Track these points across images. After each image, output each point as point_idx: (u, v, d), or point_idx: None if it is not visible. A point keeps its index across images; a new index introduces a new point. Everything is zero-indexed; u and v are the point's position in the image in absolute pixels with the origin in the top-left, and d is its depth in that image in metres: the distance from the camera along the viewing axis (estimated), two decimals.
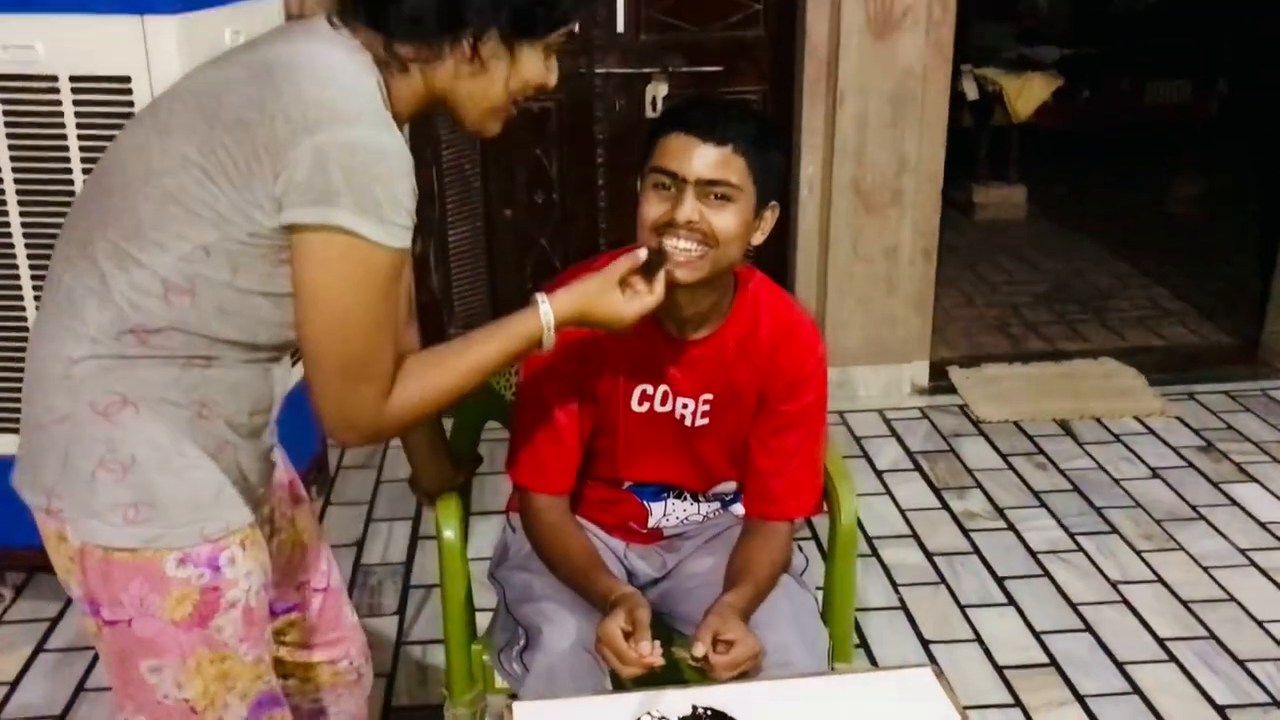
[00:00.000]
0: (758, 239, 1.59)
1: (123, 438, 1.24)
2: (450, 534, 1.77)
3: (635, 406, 1.69)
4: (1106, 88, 6.10)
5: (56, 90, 2.27)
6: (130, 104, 2.27)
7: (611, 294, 1.40)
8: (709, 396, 1.68)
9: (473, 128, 1.34)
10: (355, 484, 3.29)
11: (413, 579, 2.82)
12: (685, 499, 1.81)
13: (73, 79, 2.26)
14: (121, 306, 1.22)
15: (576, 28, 1.35)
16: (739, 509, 1.83)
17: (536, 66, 1.31)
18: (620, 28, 3.50)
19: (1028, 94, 5.78)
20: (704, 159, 1.50)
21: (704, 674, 1.50)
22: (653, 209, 1.52)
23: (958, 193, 6.01)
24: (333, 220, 1.16)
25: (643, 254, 1.42)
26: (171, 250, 1.20)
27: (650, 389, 1.68)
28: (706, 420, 1.70)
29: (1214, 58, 6.14)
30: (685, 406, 1.69)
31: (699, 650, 1.47)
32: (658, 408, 1.69)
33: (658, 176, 1.52)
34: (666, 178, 1.51)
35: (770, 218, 1.60)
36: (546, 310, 1.35)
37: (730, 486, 1.80)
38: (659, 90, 3.54)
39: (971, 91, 5.77)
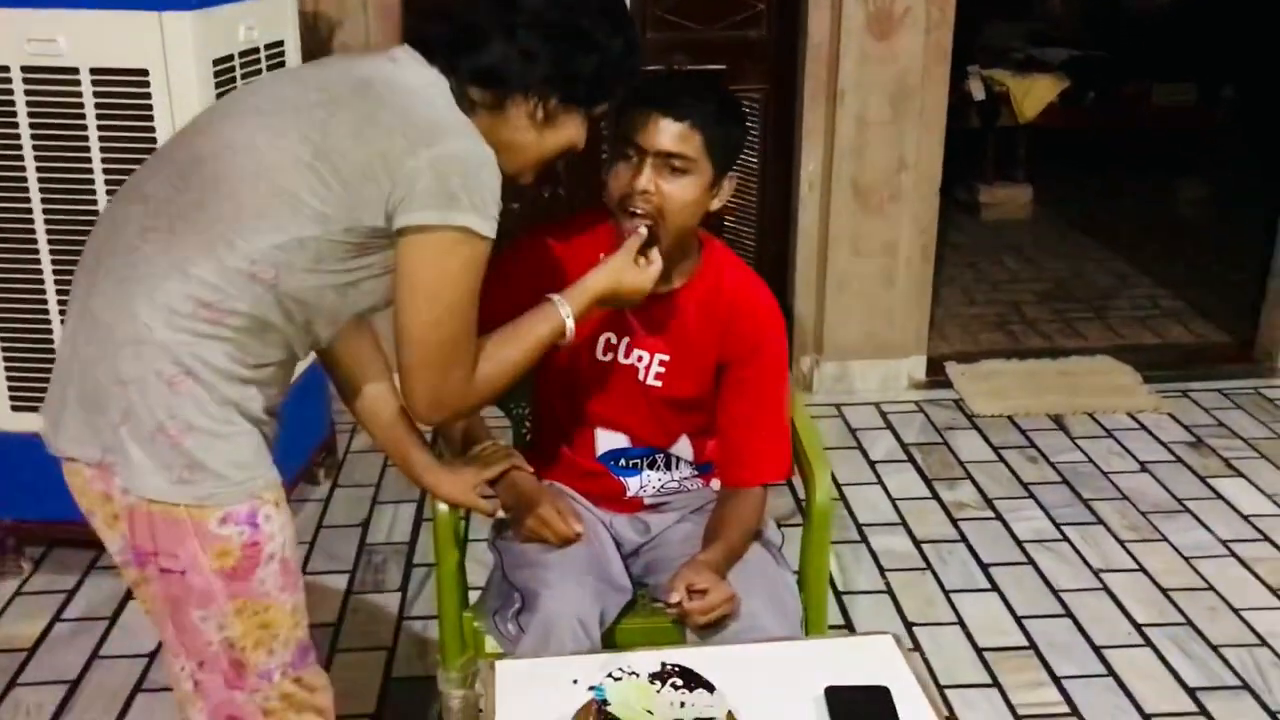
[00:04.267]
0: (715, 205, 1.71)
1: (181, 405, 1.34)
2: (443, 506, 1.86)
3: (600, 355, 1.81)
4: (1113, 90, 6.14)
5: (78, 83, 2.37)
6: (148, 96, 2.37)
7: (631, 270, 1.60)
8: (665, 358, 1.79)
9: (511, 173, 1.47)
10: (363, 468, 3.39)
11: (416, 558, 2.91)
12: (658, 468, 1.90)
13: (93, 71, 2.36)
14: (205, 284, 1.33)
15: None
16: (715, 481, 1.93)
17: (579, 130, 1.48)
18: None
19: (1034, 95, 5.85)
20: (664, 133, 1.62)
21: (681, 624, 1.60)
22: (616, 178, 1.66)
23: (964, 192, 6.09)
24: (455, 221, 1.33)
25: (644, 233, 1.62)
26: (268, 238, 1.33)
27: (614, 338, 1.80)
28: (660, 383, 1.81)
29: (1221, 62, 6.18)
30: (640, 360, 1.80)
31: (674, 598, 1.58)
32: (621, 359, 1.81)
33: (622, 147, 1.65)
34: (630, 148, 1.64)
35: (728, 187, 1.72)
36: (566, 313, 1.55)
37: (685, 446, 1.89)
38: None
39: (978, 92, 5.84)
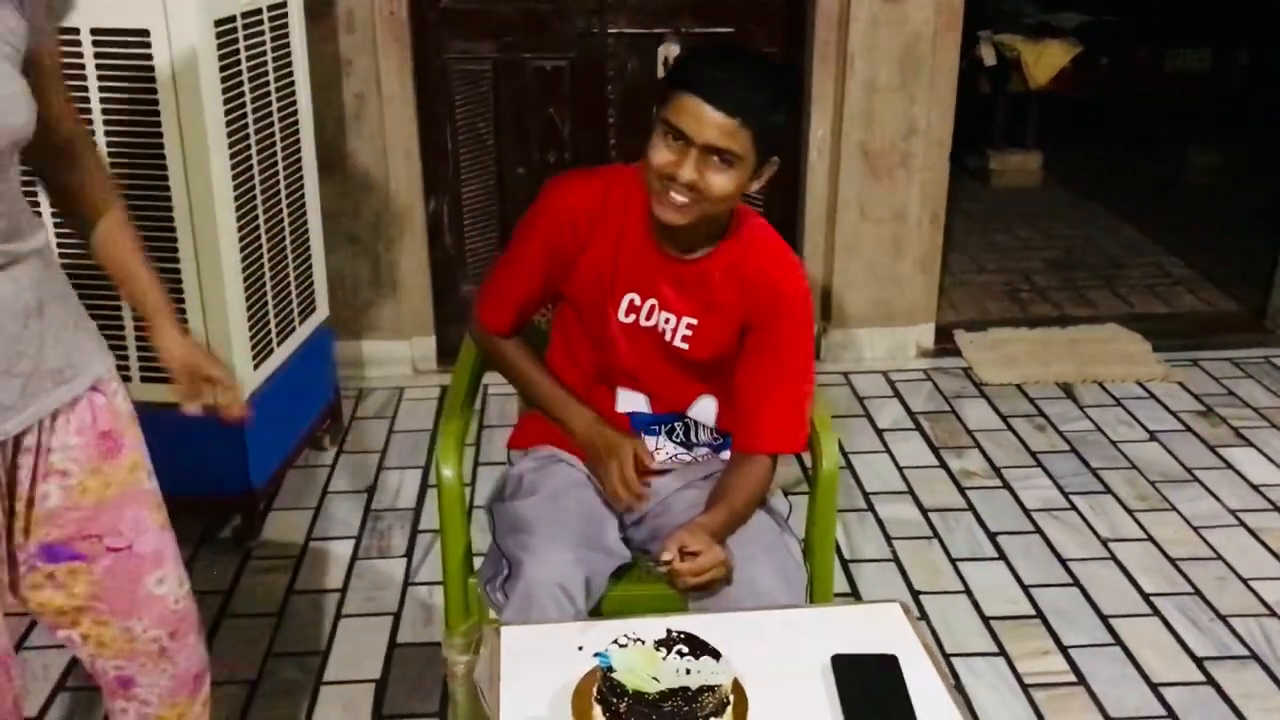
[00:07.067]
0: (754, 188, 1.68)
1: None
2: (449, 473, 1.85)
3: (622, 317, 1.79)
4: (1126, 55, 6.07)
5: (78, 43, 2.34)
6: (149, 57, 2.34)
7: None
8: (693, 321, 1.78)
9: None
10: (369, 433, 3.38)
11: (421, 524, 2.91)
12: (676, 438, 1.90)
13: (93, 32, 2.33)
14: None
15: None
16: (728, 455, 1.91)
17: None
18: None
19: (1046, 60, 5.78)
20: (714, 127, 1.58)
21: (671, 584, 1.60)
22: (659, 155, 1.62)
23: (974, 159, 6.03)
24: None
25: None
26: None
27: (638, 300, 1.78)
28: (687, 345, 1.79)
29: (1235, 27, 6.10)
30: (668, 322, 1.78)
31: (665, 556, 1.57)
32: (643, 322, 1.79)
33: (667, 126, 1.61)
34: (674, 132, 1.60)
35: (770, 170, 1.68)
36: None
37: (708, 407, 1.87)
38: (671, 51, 3.58)
39: (989, 57, 5.77)
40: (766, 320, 1.77)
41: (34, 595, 1.48)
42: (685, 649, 1.35)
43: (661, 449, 1.90)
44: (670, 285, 1.77)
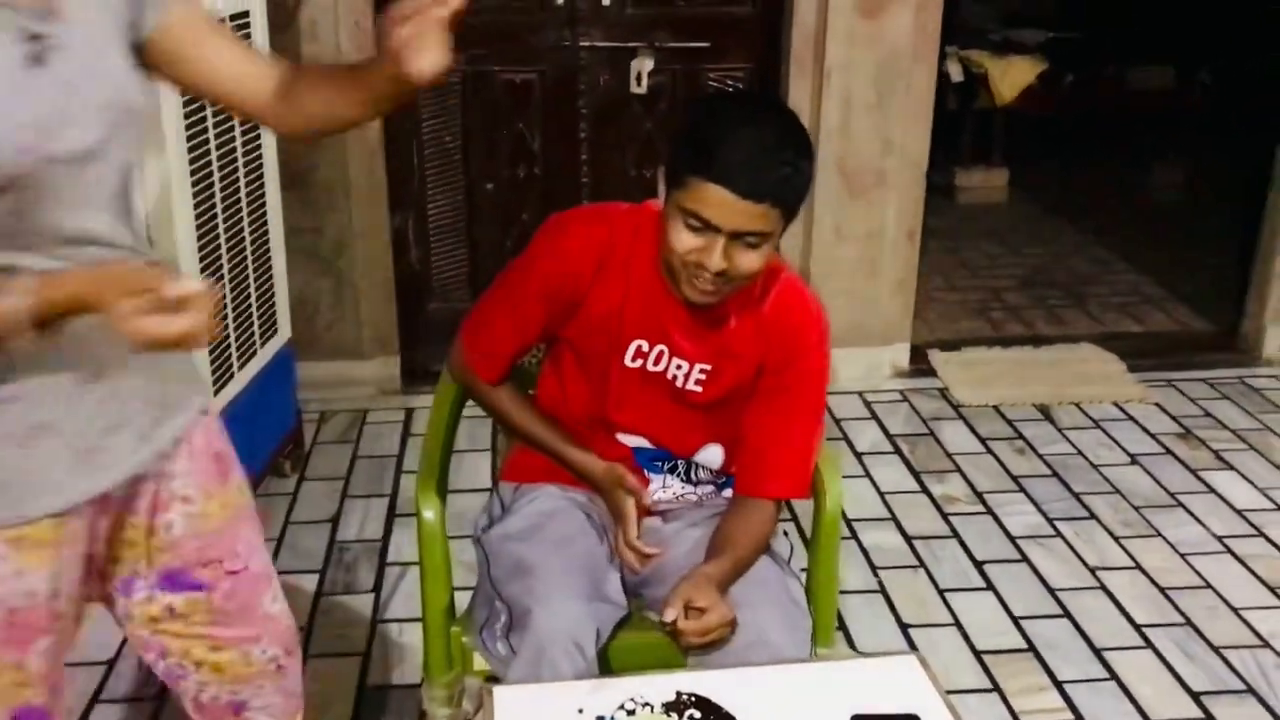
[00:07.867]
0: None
1: None
2: (430, 515, 1.75)
3: (628, 361, 1.69)
4: (1091, 72, 6.09)
5: None
6: None
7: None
8: (706, 367, 1.69)
9: None
10: (331, 459, 3.25)
11: (389, 556, 2.78)
12: (679, 475, 1.80)
13: None
14: None
15: None
16: (729, 493, 1.82)
17: None
18: (606, 0, 3.45)
19: (1012, 77, 5.77)
20: (742, 215, 1.47)
21: (674, 640, 1.51)
22: (682, 242, 1.52)
23: (940, 175, 5.99)
24: None
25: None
26: None
27: (646, 346, 1.68)
28: (700, 389, 1.70)
29: (1199, 45, 6.13)
30: (679, 368, 1.69)
31: (669, 615, 1.48)
32: (650, 367, 1.69)
33: (687, 216, 1.50)
34: (697, 220, 1.50)
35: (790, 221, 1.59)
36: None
37: (714, 454, 1.78)
38: (644, 65, 3.50)
39: (956, 73, 5.76)
40: (783, 364, 1.68)
41: (150, 626, 1.42)
42: (698, 714, 1.26)
43: (668, 487, 1.80)
44: (682, 332, 1.67)
